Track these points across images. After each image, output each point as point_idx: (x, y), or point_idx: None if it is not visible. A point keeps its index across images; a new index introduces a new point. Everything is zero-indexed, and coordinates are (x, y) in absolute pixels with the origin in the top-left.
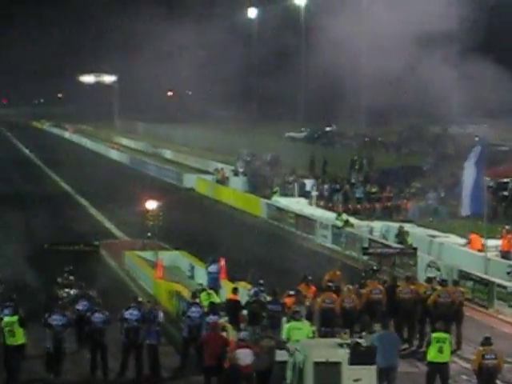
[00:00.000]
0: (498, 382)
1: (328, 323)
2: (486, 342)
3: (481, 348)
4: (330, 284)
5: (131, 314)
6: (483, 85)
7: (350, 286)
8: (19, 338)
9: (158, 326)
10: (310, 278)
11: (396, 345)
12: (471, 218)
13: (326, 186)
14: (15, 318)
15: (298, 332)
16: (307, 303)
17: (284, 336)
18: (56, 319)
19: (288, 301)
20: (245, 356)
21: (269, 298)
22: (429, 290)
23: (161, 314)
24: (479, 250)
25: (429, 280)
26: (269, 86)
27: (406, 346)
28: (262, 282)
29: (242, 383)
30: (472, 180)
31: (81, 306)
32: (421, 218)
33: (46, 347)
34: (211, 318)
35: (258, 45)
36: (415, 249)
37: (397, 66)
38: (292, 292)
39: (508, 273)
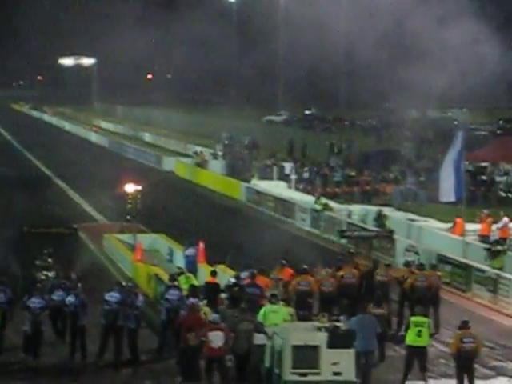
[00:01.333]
0: (475, 365)
1: (304, 306)
2: (464, 325)
3: (459, 331)
4: (305, 266)
5: (112, 296)
6: (462, 67)
7: (328, 270)
8: None
9: (137, 310)
10: (284, 261)
11: (374, 328)
12: (451, 203)
13: (305, 169)
14: None
15: (274, 315)
16: (280, 287)
17: (260, 319)
18: (35, 302)
19: (248, 281)
20: (216, 338)
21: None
22: (406, 274)
23: (140, 298)
24: (461, 235)
25: (407, 264)
26: (248, 69)
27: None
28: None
29: (213, 365)
30: (453, 165)
31: (56, 295)
32: (400, 201)
33: (24, 330)
34: (191, 301)
35: (236, 28)
36: (392, 232)
37: (375, 47)
38: (254, 271)
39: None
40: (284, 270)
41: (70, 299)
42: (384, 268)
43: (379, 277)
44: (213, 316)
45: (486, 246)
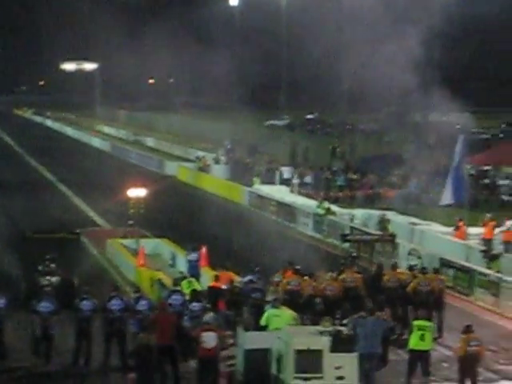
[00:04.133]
0: (479, 369)
1: (293, 305)
2: (468, 329)
3: (464, 336)
4: (298, 267)
5: (114, 304)
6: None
7: (332, 274)
8: None
9: (140, 314)
10: (297, 266)
11: (380, 332)
12: (453, 206)
13: (309, 174)
14: None
15: (276, 319)
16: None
17: (263, 323)
18: (44, 306)
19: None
20: (209, 339)
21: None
22: (409, 278)
23: (142, 302)
24: (464, 238)
25: (410, 268)
26: (250, 73)
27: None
28: (257, 269)
29: (207, 366)
30: (453, 168)
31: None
32: (403, 205)
33: (34, 333)
34: (194, 306)
35: (239, 32)
36: (394, 235)
37: (377, 52)
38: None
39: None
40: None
41: (86, 303)
42: (392, 273)
43: (390, 283)
44: (206, 317)
45: (483, 248)
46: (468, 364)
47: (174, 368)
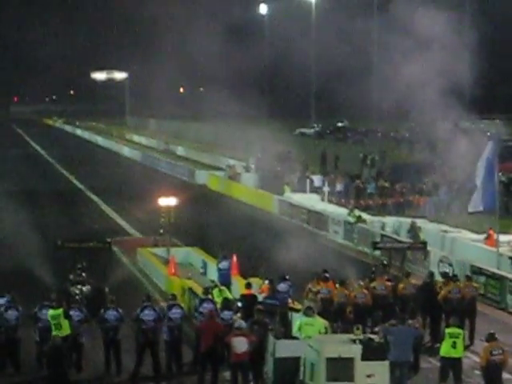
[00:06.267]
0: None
1: (324, 313)
2: (491, 337)
3: (487, 344)
4: (327, 274)
5: (147, 314)
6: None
7: (361, 282)
8: (65, 329)
9: (171, 322)
10: (327, 274)
11: (410, 340)
12: (484, 214)
13: (340, 182)
14: (60, 310)
15: (309, 328)
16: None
17: (295, 331)
18: (73, 315)
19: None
20: (240, 344)
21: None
22: (440, 286)
23: (173, 310)
24: (494, 246)
25: (444, 275)
26: (280, 82)
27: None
28: (287, 277)
29: (237, 371)
30: (483, 175)
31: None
32: (433, 213)
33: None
34: (226, 314)
35: (269, 41)
36: (425, 243)
37: (408, 62)
38: (267, 281)
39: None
40: (325, 283)
41: (111, 313)
42: (407, 281)
43: (451, 294)
44: (237, 322)
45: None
46: (491, 373)
47: (213, 374)
